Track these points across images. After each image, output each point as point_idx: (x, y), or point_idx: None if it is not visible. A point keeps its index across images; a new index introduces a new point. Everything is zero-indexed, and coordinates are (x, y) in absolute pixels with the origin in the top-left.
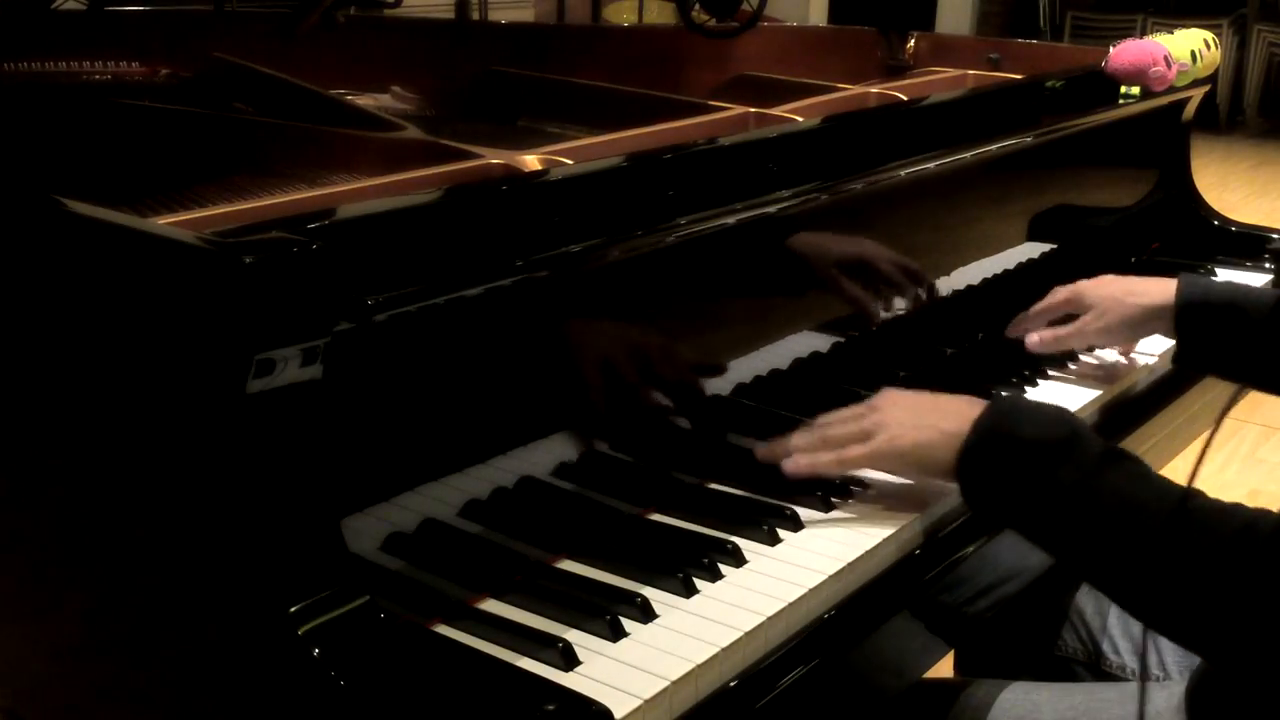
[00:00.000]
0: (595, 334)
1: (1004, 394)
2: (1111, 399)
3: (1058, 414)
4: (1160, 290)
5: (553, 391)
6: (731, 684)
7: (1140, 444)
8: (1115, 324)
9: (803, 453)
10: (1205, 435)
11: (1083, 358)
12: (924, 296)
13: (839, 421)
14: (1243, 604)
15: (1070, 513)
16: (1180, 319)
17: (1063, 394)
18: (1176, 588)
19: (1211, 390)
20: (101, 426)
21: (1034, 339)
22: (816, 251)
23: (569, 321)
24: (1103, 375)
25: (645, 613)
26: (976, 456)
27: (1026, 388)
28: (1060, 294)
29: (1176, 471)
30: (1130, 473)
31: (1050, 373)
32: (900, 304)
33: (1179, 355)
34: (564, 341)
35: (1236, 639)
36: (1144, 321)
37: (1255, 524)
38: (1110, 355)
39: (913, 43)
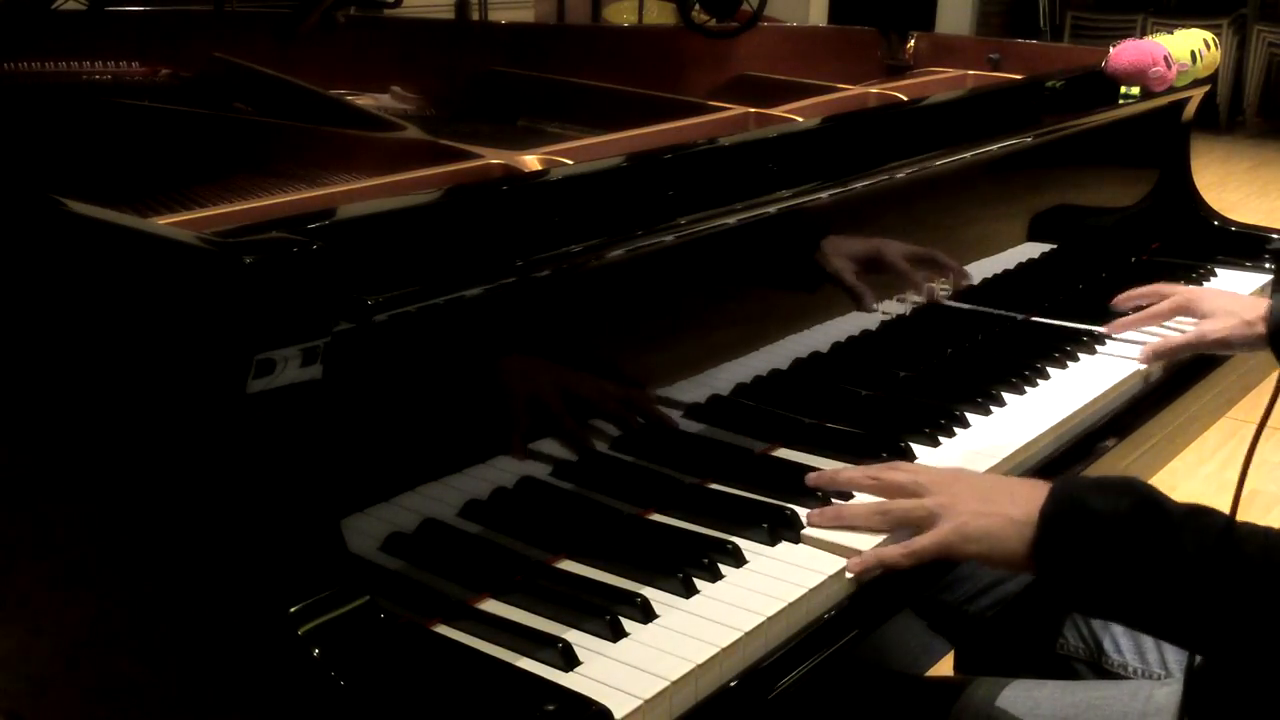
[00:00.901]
0: (593, 334)
1: (1062, 479)
2: (1115, 396)
3: (1125, 484)
4: (1263, 313)
5: (552, 391)
6: (732, 684)
7: (1141, 444)
8: (1236, 339)
9: (859, 523)
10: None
11: (1083, 356)
12: (952, 284)
13: (894, 489)
14: None
15: (1166, 583)
16: (1275, 343)
17: (1064, 393)
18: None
19: (1211, 391)
20: (102, 427)
21: (1148, 351)
22: (835, 250)
23: (568, 322)
24: (1104, 374)
25: (645, 613)
26: (1052, 546)
27: (1027, 387)
28: (1174, 301)
29: (1176, 473)
30: (1216, 526)
31: (1050, 372)
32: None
33: None
34: (564, 341)
35: None
36: (1255, 344)
37: None
38: (1110, 355)
39: (913, 43)
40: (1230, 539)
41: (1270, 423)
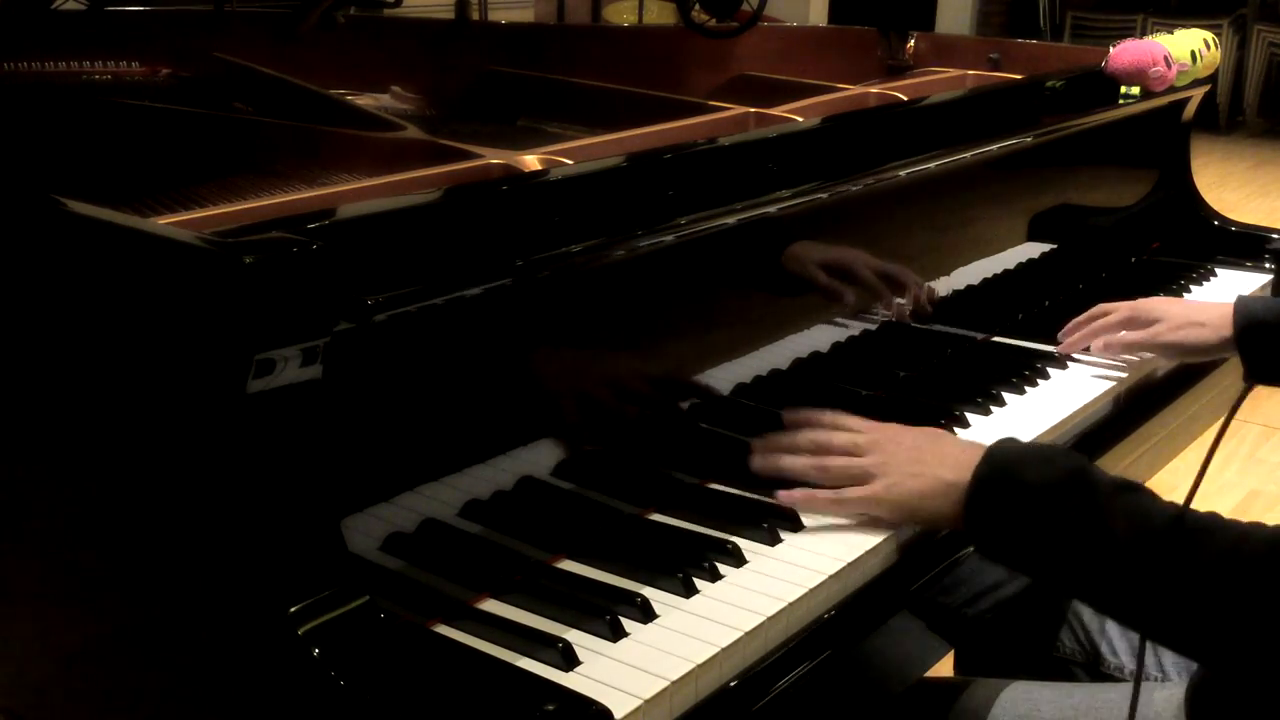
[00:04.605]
0: (593, 334)
1: (999, 441)
2: (1114, 398)
3: (1057, 453)
4: (1221, 316)
5: (552, 391)
6: (731, 684)
7: (1140, 444)
8: (1187, 344)
9: (796, 472)
10: (1211, 440)
11: (1080, 357)
12: (913, 301)
13: (835, 448)
14: (1247, 618)
15: (1088, 549)
16: (1241, 341)
17: (1064, 393)
18: (1195, 608)
19: (1211, 391)
20: (102, 427)
21: (1099, 344)
22: (806, 260)
23: (568, 322)
24: (1102, 375)
25: (645, 613)
26: (982, 507)
27: (1027, 387)
28: (1120, 311)
29: (1176, 472)
30: (1140, 501)
31: (1050, 372)
32: (891, 308)
33: (1248, 373)
34: (564, 341)
35: (1245, 654)
36: (1209, 348)
37: (1248, 537)
38: (1107, 357)
39: (913, 43)
40: (1177, 524)
41: (1270, 423)
